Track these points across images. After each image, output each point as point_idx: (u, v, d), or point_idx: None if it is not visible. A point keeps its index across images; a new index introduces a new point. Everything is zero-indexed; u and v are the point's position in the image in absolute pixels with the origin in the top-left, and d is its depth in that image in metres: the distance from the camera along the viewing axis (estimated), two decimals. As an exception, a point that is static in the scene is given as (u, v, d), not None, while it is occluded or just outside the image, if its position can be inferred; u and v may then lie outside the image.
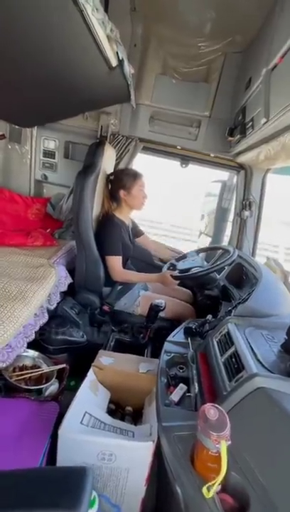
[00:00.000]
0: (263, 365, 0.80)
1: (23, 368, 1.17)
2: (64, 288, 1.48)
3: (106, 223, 1.60)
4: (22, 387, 1.04)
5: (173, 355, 1.10)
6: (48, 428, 0.92)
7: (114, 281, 1.64)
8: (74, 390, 1.24)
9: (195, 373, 0.98)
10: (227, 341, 0.97)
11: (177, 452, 0.66)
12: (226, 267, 1.79)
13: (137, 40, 1.71)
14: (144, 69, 1.76)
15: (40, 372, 1.15)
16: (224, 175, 2.39)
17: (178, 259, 1.94)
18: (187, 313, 1.64)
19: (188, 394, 0.93)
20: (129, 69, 1.41)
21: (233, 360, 0.87)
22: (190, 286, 1.89)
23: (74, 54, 1.05)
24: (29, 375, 1.12)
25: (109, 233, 1.57)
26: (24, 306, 1.06)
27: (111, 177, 1.65)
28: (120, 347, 1.48)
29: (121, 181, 1.59)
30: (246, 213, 2.00)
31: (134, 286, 1.73)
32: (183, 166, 2.04)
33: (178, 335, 1.25)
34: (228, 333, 1.00)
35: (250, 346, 0.88)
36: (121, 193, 1.60)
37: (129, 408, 1.10)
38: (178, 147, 1.96)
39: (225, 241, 2.36)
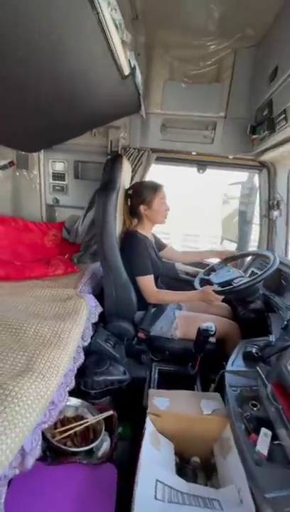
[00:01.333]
0: None
1: (65, 421, 1.01)
2: (95, 319, 1.33)
3: (131, 241, 1.46)
4: (69, 451, 0.88)
5: (240, 389, 0.94)
6: (110, 498, 0.76)
7: (146, 304, 1.49)
8: (123, 439, 1.08)
9: (276, 412, 0.82)
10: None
11: None
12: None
13: (140, 49, 1.63)
14: (151, 77, 1.68)
15: (86, 425, 0.99)
16: (242, 177, 2.27)
17: (207, 273, 1.79)
18: (232, 331, 1.47)
19: (275, 442, 0.76)
20: (140, 77, 1.32)
21: None
22: (229, 300, 1.72)
23: (86, 64, 0.93)
24: (74, 429, 0.96)
25: (137, 252, 1.43)
26: (62, 351, 0.92)
27: (130, 192, 1.53)
28: (165, 379, 1.32)
29: (140, 196, 1.47)
30: (275, 213, 1.86)
31: (168, 307, 1.57)
32: (201, 171, 1.92)
33: (236, 362, 1.09)
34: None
35: None
36: (142, 208, 1.47)
37: (196, 459, 0.93)
38: (193, 153, 1.85)
39: (253, 245, 2.20)
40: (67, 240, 2.00)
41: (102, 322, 1.45)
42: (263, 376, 0.90)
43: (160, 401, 0.98)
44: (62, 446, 0.88)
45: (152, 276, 1.44)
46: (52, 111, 1.19)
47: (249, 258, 1.97)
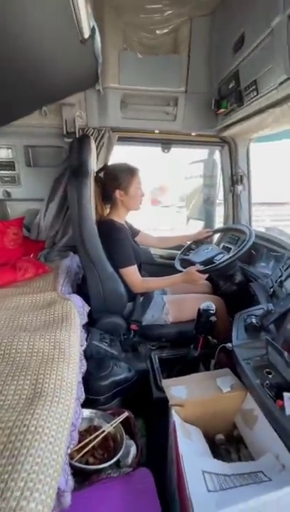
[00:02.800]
0: None
1: (80, 436, 0.91)
2: (85, 320, 1.21)
3: (109, 231, 1.35)
4: (92, 469, 0.79)
5: (251, 361, 0.96)
6: (155, 504, 0.72)
7: (133, 294, 1.42)
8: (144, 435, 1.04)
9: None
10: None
11: None
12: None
13: (88, 11, 1.44)
14: (104, 45, 1.50)
15: (103, 435, 0.91)
16: (200, 155, 2.28)
17: (185, 252, 1.79)
18: (219, 306, 1.51)
19: (299, 402, 0.80)
20: (99, 42, 1.17)
21: None
22: (210, 277, 1.76)
23: (38, 20, 0.75)
24: (92, 443, 0.87)
25: (118, 242, 1.33)
26: (68, 364, 0.80)
27: (101, 175, 1.39)
28: (166, 366, 1.29)
29: (116, 180, 1.34)
30: (240, 188, 1.93)
31: (155, 294, 1.53)
32: (166, 151, 1.86)
33: (239, 336, 1.11)
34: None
35: None
36: (118, 193, 1.35)
37: (220, 437, 0.94)
38: (156, 131, 1.77)
39: (218, 221, 2.28)
40: (28, 237, 1.76)
41: (90, 321, 1.34)
42: (275, 344, 0.93)
43: (177, 390, 0.95)
44: (86, 467, 0.79)
45: (136, 266, 1.37)
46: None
47: (218, 234, 2.03)
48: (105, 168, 1.41)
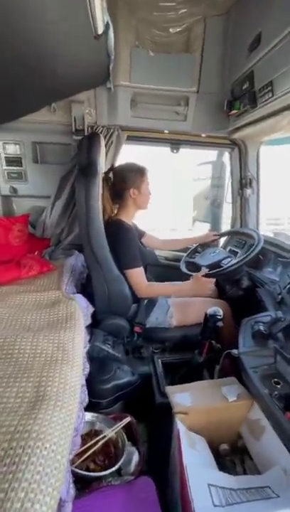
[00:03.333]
0: None
1: (81, 440, 0.88)
2: (89, 321, 1.19)
3: (117, 231, 1.33)
4: (92, 477, 0.77)
5: (258, 370, 0.93)
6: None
7: (137, 296, 1.40)
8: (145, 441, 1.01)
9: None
10: None
11: None
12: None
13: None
14: (116, 42, 1.48)
15: (104, 440, 0.88)
16: (209, 156, 2.25)
17: (191, 256, 1.76)
18: (225, 311, 1.48)
19: (309, 415, 0.77)
20: (113, 38, 1.15)
21: None
22: (216, 281, 1.73)
23: (53, 15, 0.72)
24: (93, 448, 0.85)
25: (125, 242, 1.31)
26: (72, 366, 0.78)
27: (110, 175, 1.37)
28: (169, 370, 1.27)
29: (128, 179, 1.33)
30: (249, 191, 1.90)
31: (159, 297, 1.51)
32: (175, 151, 1.84)
33: (246, 342, 1.08)
34: None
35: None
36: (132, 192, 1.35)
37: (225, 447, 0.91)
38: (166, 131, 1.75)
39: (226, 223, 2.25)
40: (33, 235, 1.74)
41: (93, 322, 1.32)
42: (284, 353, 0.90)
43: (182, 397, 0.93)
44: (87, 474, 0.77)
45: (142, 268, 1.34)
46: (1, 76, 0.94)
47: (225, 237, 2.00)
48: (114, 168, 1.39)
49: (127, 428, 0.95)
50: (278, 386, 0.88)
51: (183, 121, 1.68)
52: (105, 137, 1.64)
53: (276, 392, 0.85)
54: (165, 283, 1.42)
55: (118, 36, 1.46)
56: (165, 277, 1.53)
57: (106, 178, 1.36)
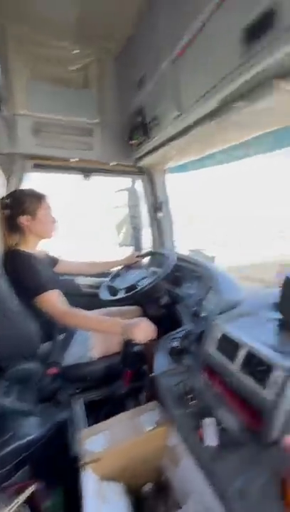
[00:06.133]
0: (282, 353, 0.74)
1: None
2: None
3: (14, 261, 1.18)
4: None
5: (173, 388, 0.91)
6: None
7: (51, 332, 1.26)
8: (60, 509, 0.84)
9: (212, 397, 0.83)
10: (229, 345, 0.86)
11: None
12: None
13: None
14: (8, 73, 1.45)
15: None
16: (125, 183, 2.35)
17: (112, 280, 1.74)
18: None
19: (219, 427, 0.76)
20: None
21: (250, 362, 0.77)
22: (137, 301, 1.72)
23: None
24: None
25: (26, 270, 1.16)
26: None
27: (7, 201, 1.26)
28: (93, 409, 1.14)
29: (22, 204, 1.23)
30: (160, 214, 2.03)
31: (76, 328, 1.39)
32: (87, 179, 1.85)
33: (160, 362, 1.06)
34: (224, 335, 0.90)
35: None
36: (24, 219, 1.23)
37: (149, 487, 0.82)
38: (75, 159, 1.75)
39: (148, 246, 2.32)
40: None
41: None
42: (192, 366, 0.90)
43: (94, 441, 0.82)
44: None
45: (57, 291, 1.21)
46: None
47: (148, 258, 2.05)
48: (10, 193, 1.29)
49: (33, 498, 0.77)
50: (193, 402, 0.86)
51: (90, 151, 1.72)
52: (4, 165, 1.54)
53: (189, 410, 0.83)
54: (94, 311, 1.30)
55: (8, 67, 1.45)
56: (90, 307, 1.43)
57: (3, 205, 1.24)
